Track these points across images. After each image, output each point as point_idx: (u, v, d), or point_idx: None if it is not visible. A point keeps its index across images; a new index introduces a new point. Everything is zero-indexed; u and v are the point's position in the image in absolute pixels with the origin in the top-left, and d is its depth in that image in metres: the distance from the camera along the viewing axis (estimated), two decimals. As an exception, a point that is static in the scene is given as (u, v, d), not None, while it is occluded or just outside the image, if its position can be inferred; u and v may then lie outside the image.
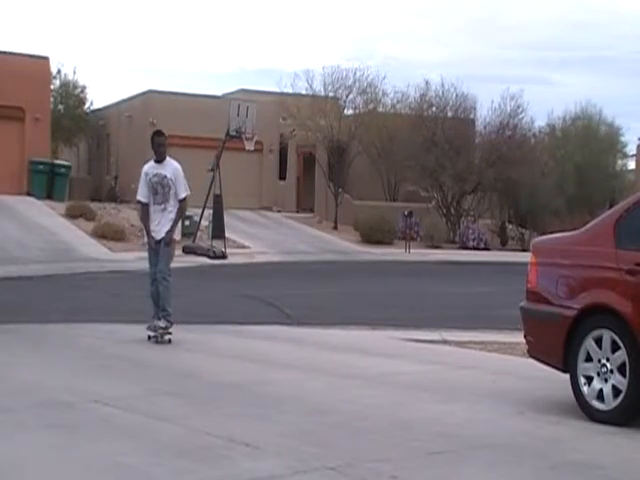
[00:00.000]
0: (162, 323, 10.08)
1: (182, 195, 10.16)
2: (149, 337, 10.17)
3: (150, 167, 10.28)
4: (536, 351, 7.16)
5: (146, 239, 10.62)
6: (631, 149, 41.56)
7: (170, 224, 10.13)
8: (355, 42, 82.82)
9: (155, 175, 10.16)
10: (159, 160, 10.26)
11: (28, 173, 32.23)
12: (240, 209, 33.46)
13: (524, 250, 28.23)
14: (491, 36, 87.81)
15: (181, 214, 10.40)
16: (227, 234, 26.81)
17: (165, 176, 10.11)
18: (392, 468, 5.06)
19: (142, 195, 10.29)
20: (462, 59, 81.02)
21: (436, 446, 5.63)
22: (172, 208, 10.14)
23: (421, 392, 7.44)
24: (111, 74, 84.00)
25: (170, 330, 10.13)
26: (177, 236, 10.39)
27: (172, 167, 10.21)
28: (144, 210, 10.39)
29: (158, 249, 10.15)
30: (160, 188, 10.14)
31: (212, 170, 26.15)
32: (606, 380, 6.39)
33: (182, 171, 10.28)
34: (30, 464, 5.11)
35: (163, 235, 10.10)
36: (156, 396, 7.07)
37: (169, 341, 10.08)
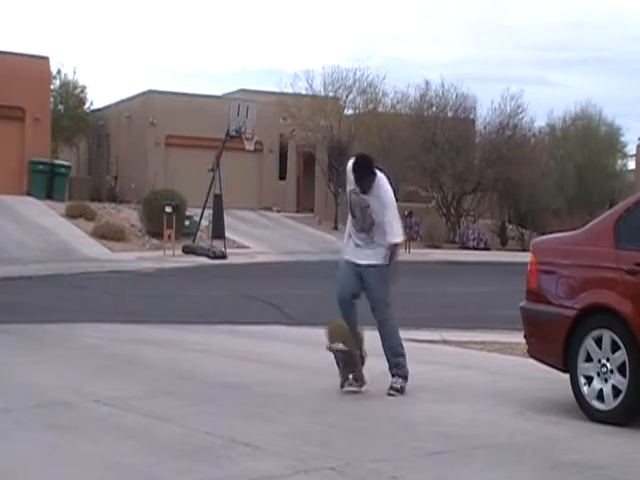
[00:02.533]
0: (397, 383, 7.33)
1: (392, 241, 7.40)
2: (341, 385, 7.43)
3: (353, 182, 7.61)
4: (536, 351, 7.16)
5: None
6: (631, 149, 41.68)
7: (381, 255, 7.43)
8: (355, 42, 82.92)
9: (356, 194, 7.53)
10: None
11: (28, 173, 32.23)
12: (240, 209, 33.46)
13: (524, 250, 28.21)
14: (491, 36, 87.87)
15: (393, 260, 7.47)
16: (227, 234, 26.80)
17: (368, 206, 7.42)
18: (392, 468, 5.06)
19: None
20: (462, 59, 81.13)
21: (436, 446, 5.63)
22: (377, 246, 7.45)
23: (421, 392, 7.43)
24: (111, 74, 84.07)
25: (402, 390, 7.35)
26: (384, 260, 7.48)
27: (377, 197, 7.39)
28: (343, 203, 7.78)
29: (360, 271, 7.49)
30: (359, 213, 7.50)
31: (212, 170, 26.17)
32: (606, 380, 6.38)
33: (392, 198, 7.49)
34: (30, 464, 5.11)
35: (366, 263, 7.46)
36: (156, 396, 7.07)
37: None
